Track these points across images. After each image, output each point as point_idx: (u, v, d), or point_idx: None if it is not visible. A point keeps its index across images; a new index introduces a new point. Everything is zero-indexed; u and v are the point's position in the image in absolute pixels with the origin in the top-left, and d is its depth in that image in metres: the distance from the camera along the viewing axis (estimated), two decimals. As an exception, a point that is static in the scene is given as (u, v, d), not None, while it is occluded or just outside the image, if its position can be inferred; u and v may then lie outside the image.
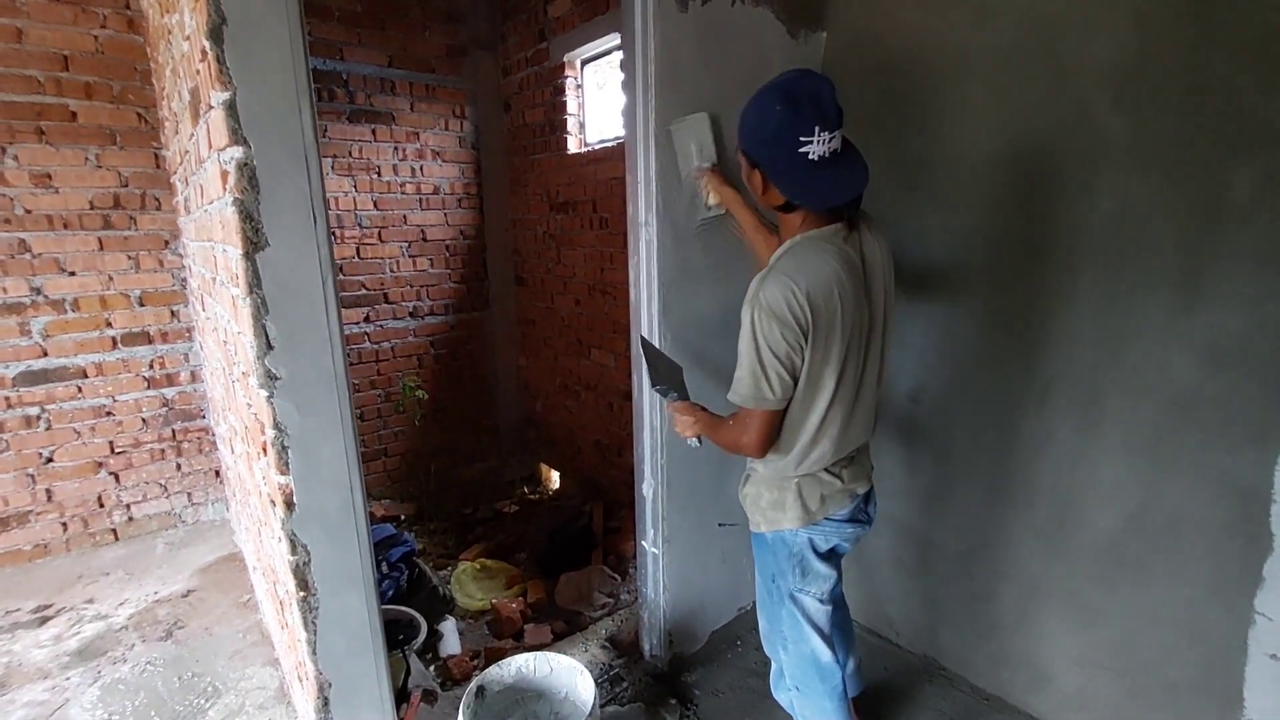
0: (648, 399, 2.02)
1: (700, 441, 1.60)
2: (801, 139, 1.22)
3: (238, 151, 1.23)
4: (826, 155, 1.25)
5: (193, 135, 1.80)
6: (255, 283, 1.28)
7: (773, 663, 1.78)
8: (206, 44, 1.19)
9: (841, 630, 1.80)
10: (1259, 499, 1.50)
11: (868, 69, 2.08)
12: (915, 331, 2.09)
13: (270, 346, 1.32)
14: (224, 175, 1.30)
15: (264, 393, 1.33)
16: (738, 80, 1.98)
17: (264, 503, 1.69)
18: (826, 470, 1.46)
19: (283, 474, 1.38)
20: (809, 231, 1.35)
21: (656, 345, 1.87)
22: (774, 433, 1.39)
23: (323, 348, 1.38)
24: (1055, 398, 1.81)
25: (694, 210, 1.92)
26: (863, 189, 1.32)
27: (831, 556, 1.56)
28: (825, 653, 1.57)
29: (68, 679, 2.29)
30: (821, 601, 1.56)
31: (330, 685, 1.52)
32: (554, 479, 4.38)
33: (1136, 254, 1.62)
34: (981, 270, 1.92)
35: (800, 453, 1.43)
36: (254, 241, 1.27)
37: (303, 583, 1.45)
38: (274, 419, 1.35)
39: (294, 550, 1.42)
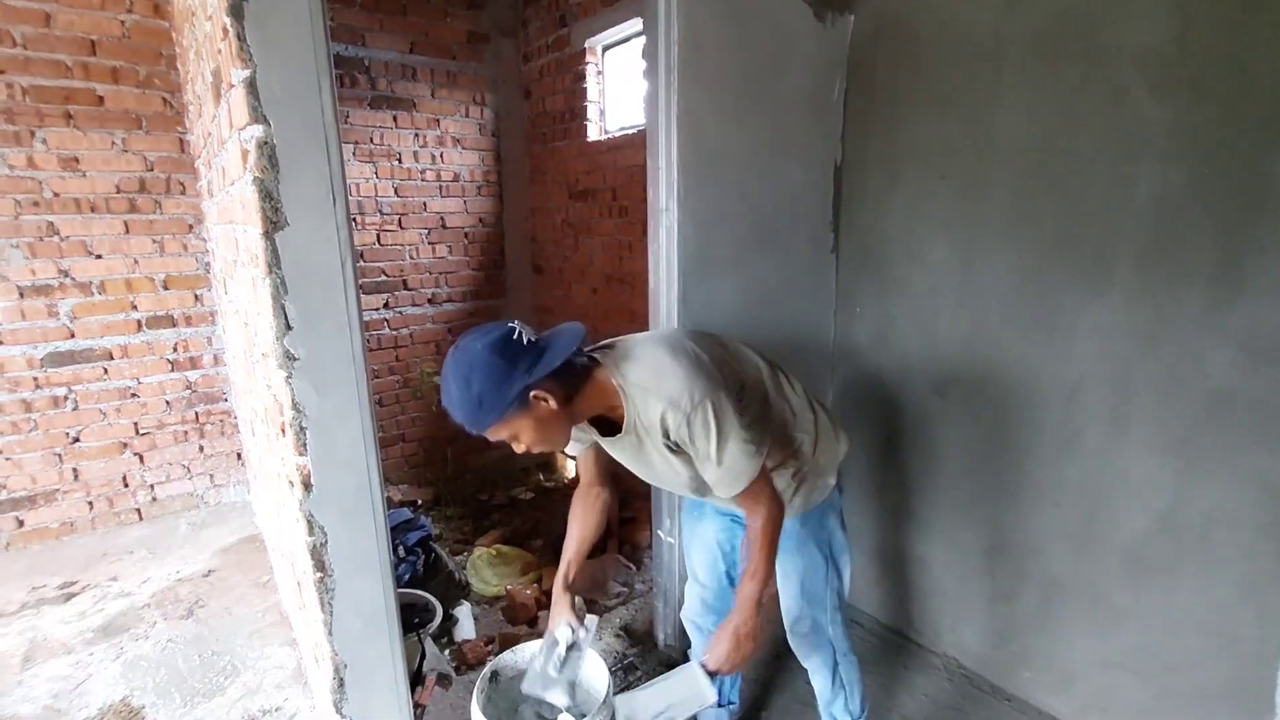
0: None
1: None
2: (516, 357, 1.12)
3: (258, 130, 1.22)
4: (532, 337, 1.16)
5: (215, 116, 1.80)
6: (274, 262, 1.28)
7: (821, 682, 1.67)
8: (228, 21, 1.18)
9: None
10: (1298, 500, 1.45)
11: (896, 52, 2.03)
12: (941, 323, 2.05)
13: (289, 327, 1.32)
14: (244, 154, 1.29)
15: (283, 373, 1.33)
16: (761, 63, 1.95)
17: (282, 484, 1.70)
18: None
19: (301, 455, 1.38)
20: (601, 378, 1.25)
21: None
22: (774, 484, 1.37)
23: (341, 329, 1.38)
24: (1085, 393, 1.76)
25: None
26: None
27: None
28: None
29: (91, 654, 2.34)
30: None
31: (346, 666, 1.53)
32: (569, 468, 4.38)
33: (1173, 245, 1.56)
34: (1011, 261, 1.87)
35: (820, 426, 1.49)
36: (273, 221, 1.27)
37: (319, 564, 1.45)
38: (292, 400, 1.35)
39: (311, 531, 1.43)
